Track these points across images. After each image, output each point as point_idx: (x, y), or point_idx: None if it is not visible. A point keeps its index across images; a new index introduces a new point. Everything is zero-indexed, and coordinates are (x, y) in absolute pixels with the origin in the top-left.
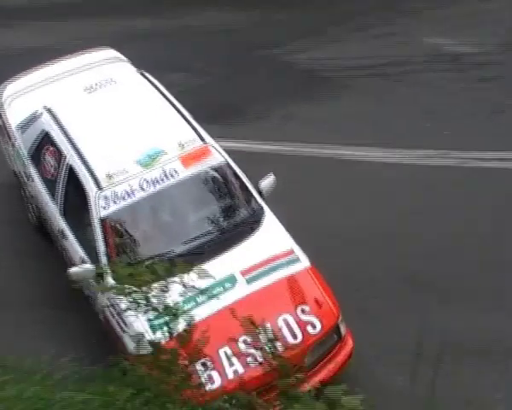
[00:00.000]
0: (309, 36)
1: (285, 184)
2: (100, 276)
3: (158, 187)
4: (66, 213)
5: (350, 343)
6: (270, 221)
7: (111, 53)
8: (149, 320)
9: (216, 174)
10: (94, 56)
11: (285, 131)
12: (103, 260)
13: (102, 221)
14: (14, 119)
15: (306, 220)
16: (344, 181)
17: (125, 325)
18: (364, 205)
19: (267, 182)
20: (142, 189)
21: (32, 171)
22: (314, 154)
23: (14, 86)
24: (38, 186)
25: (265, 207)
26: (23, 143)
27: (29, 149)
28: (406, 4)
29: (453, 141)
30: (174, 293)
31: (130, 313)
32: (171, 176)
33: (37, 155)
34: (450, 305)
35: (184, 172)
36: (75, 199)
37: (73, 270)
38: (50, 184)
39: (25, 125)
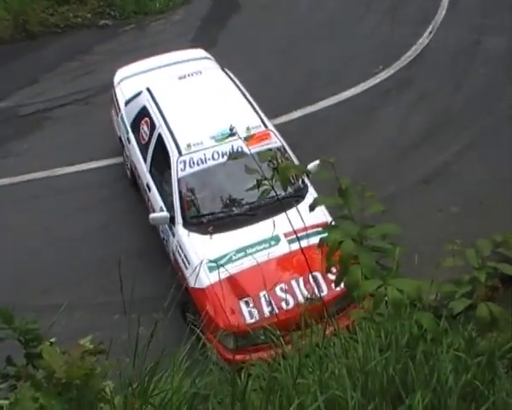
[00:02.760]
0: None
1: None
2: (172, 221)
3: (225, 158)
4: (151, 171)
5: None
6: (312, 195)
7: (201, 52)
8: (208, 262)
9: (274, 153)
10: (188, 53)
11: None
12: (177, 210)
13: (179, 180)
14: (122, 96)
15: None
16: None
17: (189, 263)
18: None
19: (314, 165)
20: (214, 159)
21: (131, 136)
22: None
23: (123, 72)
24: (135, 149)
25: (310, 186)
26: (126, 115)
27: (131, 120)
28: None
29: None
30: (229, 245)
31: (194, 254)
32: (237, 152)
33: (136, 125)
34: None
35: (247, 150)
36: (160, 161)
37: (153, 215)
38: (143, 148)
39: (129, 101)
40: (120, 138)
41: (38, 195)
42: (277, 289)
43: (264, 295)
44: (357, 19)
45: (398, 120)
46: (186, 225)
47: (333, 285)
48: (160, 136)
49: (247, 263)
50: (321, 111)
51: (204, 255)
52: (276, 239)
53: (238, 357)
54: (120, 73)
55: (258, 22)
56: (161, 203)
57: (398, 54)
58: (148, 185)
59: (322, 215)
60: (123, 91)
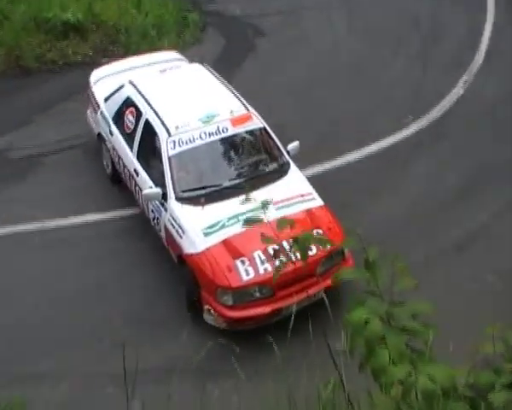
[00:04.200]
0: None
1: None
2: (164, 197)
3: (212, 138)
4: (139, 156)
5: (350, 262)
6: (294, 171)
7: (175, 54)
8: (202, 229)
9: (256, 134)
10: (161, 55)
11: None
12: (169, 186)
13: (170, 158)
14: (100, 93)
15: None
16: None
17: (183, 232)
18: None
19: (293, 145)
20: (201, 138)
21: (114, 129)
22: None
23: (99, 72)
24: (119, 139)
25: (291, 162)
26: (107, 110)
27: (113, 113)
28: None
29: None
30: (222, 212)
31: (188, 223)
32: (223, 131)
33: (119, 117)
34: None
35: (232, 130)
36: (148, 145)
37: (146, 192)
38: (128, 137)
39: (109, 97)
40: (99, 135)
41: (26, 248)
42: (270, 249)
43: (258, 255)
44: (385, 62)
45: (429, 177)
46: (178, 198)
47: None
48: (147, 122)
49: (239, 228)
50: (345, 165)
51: (198, 223)
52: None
53: (236, 313)
54: (96, 73)
55: (275, 64)
56: (151, 183)
57: (430, 103)
58: (135, 170)
59: (305, 186)
60: (101, 89)
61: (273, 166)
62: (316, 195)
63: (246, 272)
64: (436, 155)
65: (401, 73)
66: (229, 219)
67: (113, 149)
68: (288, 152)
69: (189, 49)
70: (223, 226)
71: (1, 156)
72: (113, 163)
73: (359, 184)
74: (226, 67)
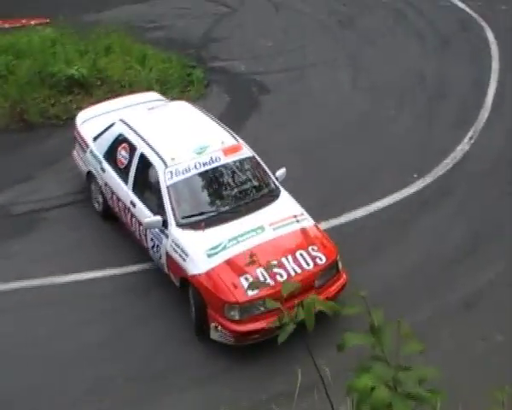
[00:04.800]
0: (3, 176)
1: None
2: (165, 225)
3: (207, 167)
4: (135, 189)
5: (344, 277)
6: (285, 196)
7: (156, 95)
8: (205, 251)
9: (246, 162)
10: (143, 96)
11: None
12: (170, 213)
13: (168, 187)
14: (88, 133)
15: None
16: None
17: (187, 255)
18: None
19: (281, 172)
20: (196, 168)
21: (106, 165)
22: None
23: (84, 114)
24: (112, 175)
25: (281, 187)
26: (98, 148)
27: (104, 151)
28: None
29: None
30: (222, 235)
31: (191, 246)
32: (216, 161)
33: (111, 153)
34: None
35: (225, 159)
36: (143, 177)
37: (148, 220)
38: (123, 171)
39: (98, 136)
40: (89, 173)
41: (27, 305)
42: (270, 264)
43: (260, 272)
44: (388, 120)
45: (434, 234)
46: (179, 225)
47: (317, 260)
48: (142, 155)
49: (240, 248)
50: (350, 223)
51: (200, 246)
52: (262, 228)
53: (244, 327)
54: (82, 115)
55: (279, 122)
56: (148, 213)
57: (435, 160)
58: (132, 202)
59: (297, 208)
60: (88, 130)
61: (265, 191)
62: (307, 215)
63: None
64: (441, 212)
65: (406, 130)
66: (230, 240)
67: (106, 185)
68: (276, 178)
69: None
70: (224, 248)
71: (3, 211)
72: (104, 200)
73: (364, 241)
74: (230, 124)
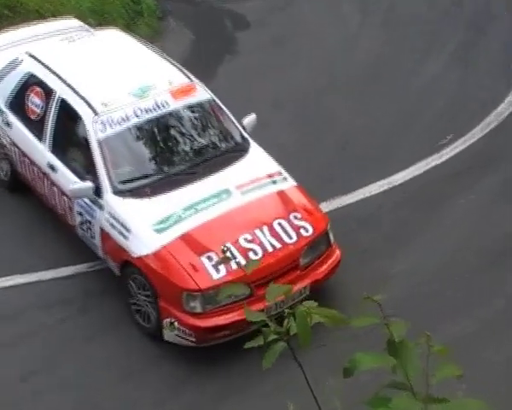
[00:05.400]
0: None
1: None
2: (98, 192)
3: (150, 115)
4: (55, 147)
5: (337, 253)
6: (256, 150)
7: (77, 22)
8: (153, 225)
9: (204, 107)
10: (61, 23)
11: None
12: (104, 177)
13: (100, 142)
14: None
15: None
16: None
17: (128, 231)
18: None
19: (249, 119)
20: (137, 116)
21: (12, 118)
22: None
23: None
24: (21, 130)
25: (250, 139)
26: None
27: (7, 98)
28: None
29: None
30: (175, 204)
31: (134, 219)
32: (163, 106)
33: (18, 101)
34: None
35: (174, 104)
36: (65, 132)
37: (74, 186)
38: (36, 124)
39: None
40: None
41: None
42: (241, 239)
43: (226, 247)
44: (413, 65)
45: (474, 218)
46: (117, 192)
47: (302, 231)
48: (62, 102)
49: (199, 219)
50: (360, 204)
51: (146, 219)
52: (227, 192)
53: (208, 322)
54: None
55: (262, 69)
56: (74, 178)
57: (473, 119)
58: (51, 165)
59: (272, 165)
60: None
61: (229, 144)
62: (286, 174)
63: (215, 270)
64: (482, 188)
65: (434, 79)
66: (185, 210)
67: (12, 144)
68: (243, 128)
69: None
70: (178, 219)
71: None
72: (11, 165)
73: (379, 227)
74: (194, 72)
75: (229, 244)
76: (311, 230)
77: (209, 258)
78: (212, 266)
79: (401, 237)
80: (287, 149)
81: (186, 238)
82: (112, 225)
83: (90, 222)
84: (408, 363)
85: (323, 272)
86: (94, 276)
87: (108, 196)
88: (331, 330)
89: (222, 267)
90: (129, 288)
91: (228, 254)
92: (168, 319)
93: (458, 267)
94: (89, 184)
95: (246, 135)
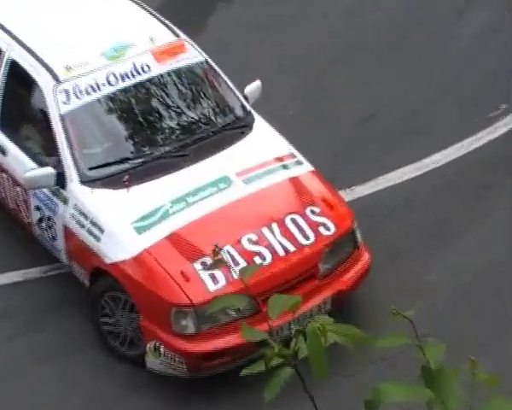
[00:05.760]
0: None
1: None
2: (60, 181)
3: (128, 82)
4: (4, 123)
5: (366, 256)
6: (261, 125)
7: None
8: (132, 223)
9: (195, 72)
10: None
11: None
12: (68, 162)
13: (63, 118)
14: None
15: None
16: None
17: (101, 230)
18: None
19: (253, 87)
20: (110, 83)
21: None
22: None
23: None
24: None
25: (254, 113)
26: None
27: None
28: None
29: None
30: (159, 196)
31: (108, 216)
32: (143, 71)
33: None
34: None
35: (158, 68)
36: (18, 103)
37: (29, 174)
38: None
39: None
40: None
41: None
42: (244, 240)
43: (228, 251)
44: (448, 16)
45: None
46: (85, 181)
47: (321, 229)
48: (14, 65)
49: (191, 215)
50: (389, 192)
51: (124, 215)
52: (226, 181)
53: (204, 346)
54: None
55: (262, 20)
56: (31, 164)
57: None
58: (1, 148)
59: (282, 145)
60: None
61: (228, 119)
62: (301, 156)
63: (212, 279)
64: None
65: (478, 34)
66: (174, 203)
67: None
68: (245, 98)
69: None
70: (165, 215)
71: None
72: None
73: (409, 222)
74: (177, 23)
75: (229, 247)
76: (332, 228)
77: (204, 264)
78: (209, 274)
79: (439, 233)
80: (293, 124)
81: (175, 239)
82: (79, 222)
83: (50, 219)
84: (447, 396)
85: (349, 281)
86: (50, 282)
87: (74, 187)
88: (356, 354)
89: (220, 277)
90: (101, 303)
91: (223, 255)
92: (152, 343)
93: (499, 277)
94: (49, 170)
95: (249, 107)
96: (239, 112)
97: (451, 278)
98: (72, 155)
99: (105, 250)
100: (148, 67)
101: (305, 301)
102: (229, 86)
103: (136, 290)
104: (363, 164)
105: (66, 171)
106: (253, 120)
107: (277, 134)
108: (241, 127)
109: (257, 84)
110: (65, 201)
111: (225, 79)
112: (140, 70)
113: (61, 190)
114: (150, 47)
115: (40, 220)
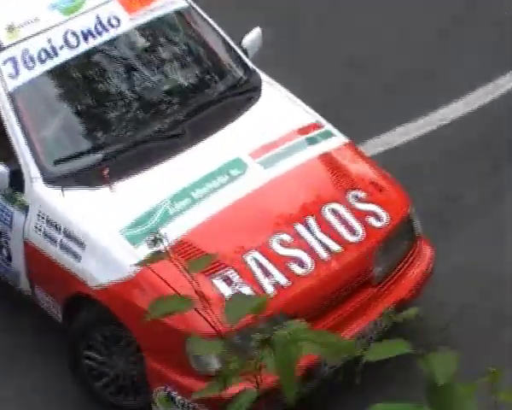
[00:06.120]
0: None
1: None
2: (16, 182)
3: (93, 42)
4: None
5: (429, 250)
6: (271, 87)
7: None
8: (122, 232)
9: (178, 23)
10: None
11: None
12: (24, 153)
13: (13, 96)
14: None
15: None
16: None
17: (81, 244)
18: None
19: (251, 38)
20: (70, 45)
21: None
22: None
23: None
24: None
25: (260, 73)
26: None
27: None
28: None
29: None
30: (154, 194)
31: (88, 224)
32: (111, 25)
33: None
34: None
35: (129, 20)
36: None
37: None
38: None
39: None
40: None
41: None
42: (274, 243)
43: (254, 258)
44: None
45: None
46: (51, 179)
47: (371, 220)
48: None
49: (201, 214)
50: (390, 154)
51: (110, 221)
52: (239, 165)
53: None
54: None
55: None
56: None
57: None
58: None
59: (303, 113)
60: None
61: (228, 82)
62: (329, 125)
63: None
64: None
65: None
66: (174, 199)
67: None
68: (245, 51)
69: None
70: (165, 218)
71: None
72: None
73: (412, 194)
74: None
75: (256, 253)
76: (385, 217)
77: (226, 280)
78: (233, 291)
79: (450, 212)
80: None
81: (183, 249)
82: (47, 235)
83: (1, 234)
84: None
85: (410, 286)
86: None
87: (37, 188)
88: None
89: (247, 291)
90: (84, 340)
91: (249, 264)
92: (162, 389)
93: None
94: (0, 167)
95: (251, 65)
96: (240, 72)
97: (465, 268)
98: (30, 145)
99: (89, 271)
100: (118, 21)
101: (359, 316)
102: (224, 39)
103: (136, 321)
104: (356, 121)
105: (24, 168)
106: (260, 80)
107: (293, 97)
108: (246, 92)
109: (256, 31)
110: (23, 208)
111: (217, 28)
112: (107, 25)
113: (17, 194)
114: None
115: None
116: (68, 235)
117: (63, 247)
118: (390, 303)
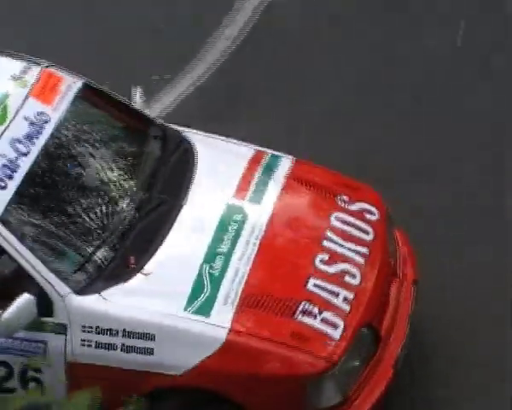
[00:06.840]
0: None
1: None
2: (46, 305)
3: (40, 143)
4: None
5: (397, 233)
6: (195, 136)
7: None
8: (186, 308)
9: (88, 101)
10: None
11: None
12: (48, 275)
13: (4, 222)
14: None
15: None
16: None
17: (151, 338)
18: None
19: (138, 95)
20: (21, 153)
21: None
22: None
23: None
24: None
25: (164, 122)
26: None
27: None
28: None
29: None
30: (184, 260)
31: (149, 315)
32: (44, 121)
33: None
34: None
35: (53, 111)
36: None
37: (8, 314)
38: None
39: None
40: None
41: None
42: (318, 263)
43: (315, 285)
44: None
45: None
46: (81, 289)
47: (369, 216)
48: None
49: (240, 265)
50: None
51: (168, 306)
52: (235, 209)
53: None
54: None
55: None
56: None
57: None
58: None
59: (245, 151)
60: None
61: (157, 142)
62: (268, 149)
63: (326, 324)
64: None
65: None
66: (208, 262)
67: None
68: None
69: None
70: (215, 280)
71: None
72: None
73: None
74: None
75: (313, 279)
76: (375, 211)
77: (307, 313)
78: (321, 320)
79: None
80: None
81: (252, 301)
82: (101, 345)
83: (27, 371)
84: None
85: (413, 266)
86: None
87: (73, 302)
88: None
89: (330, 316)
90: None
91: (313, 292)
92: None
93: None
94: (26, 297)
95: (161, 120)
96: (159, 129)
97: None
98: (47, 264)
99: (167, 360)
100: (44, 115)
101: (401, 306)
102: (127, 104)
103: (242, 387)
104: None
105: (49, 288)
106: (178, 132)
107: (218, 136)
108: (179, 144)
109: (138, 90)
110: (60, 328)
111: (117, 95)
112: (38, 122)
113: (43, 320)
114: (25, 89)
115: (6, 379)
116: (129, 333)
117: (126, 348)
118: (412, 282)
